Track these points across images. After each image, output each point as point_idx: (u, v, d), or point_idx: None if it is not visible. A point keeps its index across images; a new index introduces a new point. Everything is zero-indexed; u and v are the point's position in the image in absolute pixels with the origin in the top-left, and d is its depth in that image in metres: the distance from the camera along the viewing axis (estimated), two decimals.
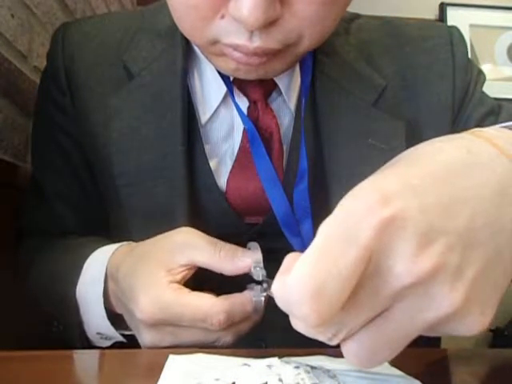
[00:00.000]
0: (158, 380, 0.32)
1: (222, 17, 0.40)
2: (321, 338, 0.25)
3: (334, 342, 0.25)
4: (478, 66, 0.60)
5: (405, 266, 0.23)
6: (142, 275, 0.42)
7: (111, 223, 0.57)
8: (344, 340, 0.25)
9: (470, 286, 0.24)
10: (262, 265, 0.41)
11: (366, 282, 0.23)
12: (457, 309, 0.24)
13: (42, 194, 0.61)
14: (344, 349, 0.26)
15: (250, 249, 0.43)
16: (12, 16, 0.66)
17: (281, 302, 0.24)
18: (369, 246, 0.22)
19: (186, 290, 0.41)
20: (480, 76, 0.59)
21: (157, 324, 0.41)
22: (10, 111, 0.66)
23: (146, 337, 0.42)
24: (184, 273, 0.42)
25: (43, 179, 0.61)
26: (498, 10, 1.83)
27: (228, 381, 0.30)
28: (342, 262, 0.22)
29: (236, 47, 0.42)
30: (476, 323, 0.25)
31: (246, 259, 0.41)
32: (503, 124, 0.34)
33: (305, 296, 0.22)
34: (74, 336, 0.49)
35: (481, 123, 0.56)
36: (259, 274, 0.41)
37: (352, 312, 0.24)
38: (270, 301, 0.41)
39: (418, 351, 0.42)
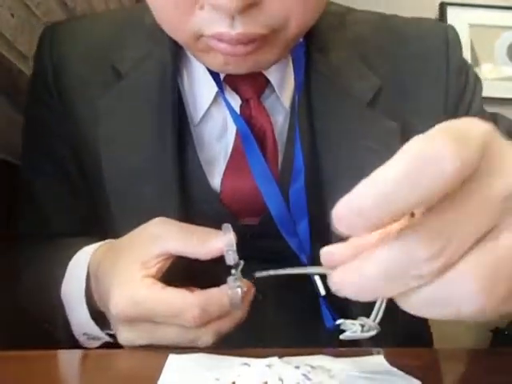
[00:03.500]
0: (158, 380, 0.32)
1: (201, 7, 0.40)
2: (422, 254, 0.22)
3: (435, 264, 0.22)
4: (475, 72, 0.59)
5: None
6: (118, 271, 0.41)
7: (104, 224, 0.56)
8: (448, 267, 0.22)
9: None
10: (234, 248, 0.39)
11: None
12: None
13: (33, 197, 0.60)
14: (456, 278, 0.22)
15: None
16: (12, 16, 0.66)
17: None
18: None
19: (160, 285, 0.40)
20: (477, 85, 0.58)
21: (131, 320, 0.40)
22: (10, 111, 0.66)
23: (121, 333, 0.41)
24: (159, 264, 0.41)
25: (33, 182, 0.60)
26: (497, 10, 1.83)
27: (228, 381, 0.30)
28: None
29: (219, 37, 0.41)
30: None
31: (218, 242, 0.40)
32: None
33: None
34: (62, 337, 0.49)
35: None
36: (231, 258, 0.39)
37: (461, 222, 0.22)
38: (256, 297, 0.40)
39: (417, 351, 0.42)
